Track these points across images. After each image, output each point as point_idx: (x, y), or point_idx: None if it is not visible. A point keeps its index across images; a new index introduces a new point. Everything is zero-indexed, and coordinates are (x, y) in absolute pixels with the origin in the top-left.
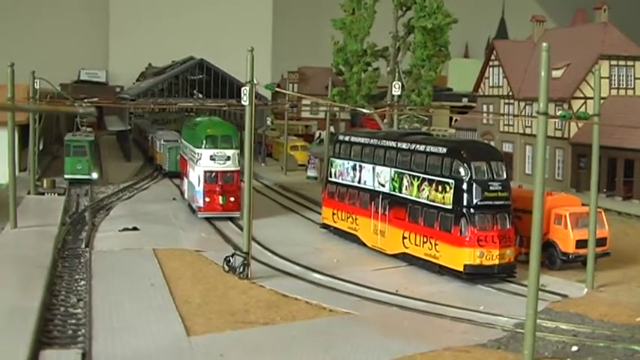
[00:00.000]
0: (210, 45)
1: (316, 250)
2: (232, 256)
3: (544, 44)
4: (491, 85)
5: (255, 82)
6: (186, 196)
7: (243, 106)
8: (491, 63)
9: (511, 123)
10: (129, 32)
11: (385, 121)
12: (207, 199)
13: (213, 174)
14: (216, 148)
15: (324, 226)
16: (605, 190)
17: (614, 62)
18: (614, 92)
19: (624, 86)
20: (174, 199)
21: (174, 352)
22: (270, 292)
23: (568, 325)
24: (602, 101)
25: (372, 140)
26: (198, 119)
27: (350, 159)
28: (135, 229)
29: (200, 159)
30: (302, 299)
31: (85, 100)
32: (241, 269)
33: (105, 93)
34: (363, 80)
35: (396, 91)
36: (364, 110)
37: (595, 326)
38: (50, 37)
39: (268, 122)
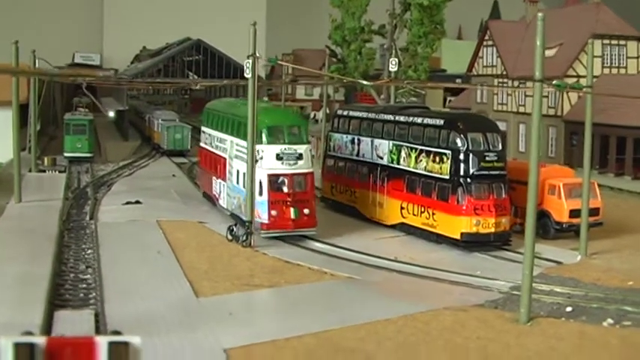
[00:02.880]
0: (204, 28)
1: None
2: (235, 225)
3: (539, 14)
4: (485, 64)
5: (258, 55)
6: (225, 203)
7: (245, 81)
8: (485, 43)
9: (505, 102)
10: (123, 15)
11: (382, 96)
12: (273, 213)
13: (281, 178)
14: (283, 144)
15: (323, 199)
16: (597, 166)
17: (606, 41)
18: (606, 71)
19: (617, 65)
20: (173, 175)
21: (184, 311)
22: (274, 259)
23: (562, 288)
24: (594, 80)
25: (370, 114)
26: (233, 100)
27: (349, 133)
28: (138, 202)
29: (261, 158)
30: (305, 265)
31: (80, 78)
32: (244, 238)
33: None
34: (361, 57)
35: (393, 67)
36: (364, 82)
37: (588, 289)
38: (45, 20)
39: (265, 98)
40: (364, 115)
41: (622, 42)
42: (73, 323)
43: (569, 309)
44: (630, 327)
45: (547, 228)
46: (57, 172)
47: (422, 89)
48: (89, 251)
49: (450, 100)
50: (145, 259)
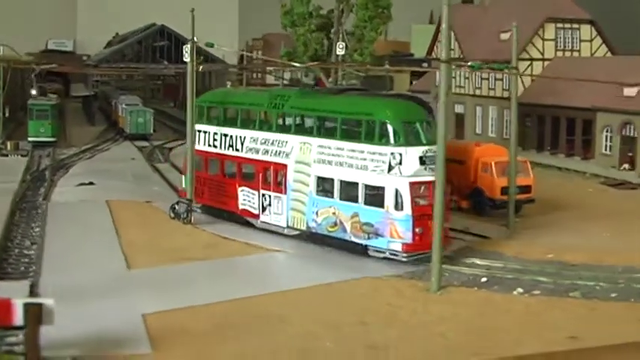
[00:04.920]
0: (178, 12)
1: None
2: (177, 203)
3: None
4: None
5: (196, 40)
6: (283, 219)
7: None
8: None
9: (462, 85)
10: (96, 1)
11: (330, 79)
12: (418, 231)
13: (423, 187)
14: (422, 144)
15: None
16: (549, 147)
17: (560, 25)
18: (560, 54)
19: (570, 48)
20: (133, 158)
21: (114, 281)
22: (211, 235)
23: (483, 260)
24: (547, 62)
25: None
26: (262, 91)
27: None
28: (91, 183)
29: (399, 163)
30: (240, 240)
31: (43, 66)
32: (185, 215)
33: (72, 62)
34: (310, 41)
35: (340, 50)
36: (311, 64)
37: (508, 262)
38: (18, 7)
39: (228, 85)
40: None
41: (575, 25)
42: (9, 293)
43: (484, 279)
44: (539, 296)
45: (481, 205)
46: (19, 156)
47: (365, 72)
48: (37, 229)
49: (412, 83)
50: (88, 236)
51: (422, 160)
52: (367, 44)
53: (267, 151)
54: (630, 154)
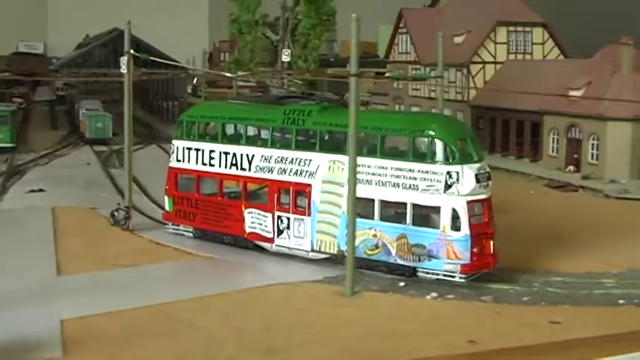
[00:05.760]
0: (150, 12)
1: None
2: (117, 210)
3: (353, 15)
4: (400, 51)
5: (132, 51)
6: (307, 243)
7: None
8: (400, 30)
9: (418, 87)
10: (67, 2)
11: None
12: (476, 250)
13: (479, 205)
14: (474, 162)
15: None
16: (500, 149)
17: (511, 28)
18: (512, 57)
19: (522, 51)
20: (88, 163)
21: (41, 287)
22: (146, 241)
23: None
24: (499, 66)
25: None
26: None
27: None
28: (41, 190)
29: (456, 182)
30: (173, 246)
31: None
32: (123, 222)
33: (42, 64)
34: (256, 49)
35: (286, 57)
36: (254, 73)
37: None
38: None
39: (189, 90)
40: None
41: (527, 29)
42: None
43: (402, 284)
44: (451, 300)
45: None
46: None
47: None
48: None
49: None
50: (24, 243)
51: (477, 178)
52: (311, 51)
53: (284, 170)
54: (576, 156)
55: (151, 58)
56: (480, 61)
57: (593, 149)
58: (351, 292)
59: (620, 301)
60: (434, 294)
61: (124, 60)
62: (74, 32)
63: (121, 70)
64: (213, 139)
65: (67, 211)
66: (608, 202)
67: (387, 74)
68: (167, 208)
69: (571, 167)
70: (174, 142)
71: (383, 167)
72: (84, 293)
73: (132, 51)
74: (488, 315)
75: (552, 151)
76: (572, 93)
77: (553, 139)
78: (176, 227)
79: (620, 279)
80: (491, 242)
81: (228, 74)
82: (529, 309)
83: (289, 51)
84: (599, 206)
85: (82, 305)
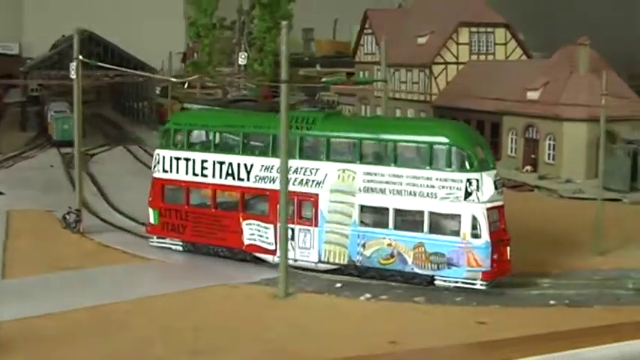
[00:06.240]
0: (126, 15)
1: None
2: (68, 213)
3: (283, 22)
4: (365, 52)
5: (80, 57)
6: (314, 254)
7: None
8: (365, 31)
9: (382, 89)
10: (43, 3)
11: (232, 88)
12: (495, 257)
13: (496, 212)
14: (491, 168)
15: None
16: None
17: (474, 29)
18: (474, 57)
19: (484, 52)
20: (51, 166)
21: None
22: (95, 244)
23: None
24: (462, 66)
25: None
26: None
27: None
28: (0, 193)
29: (476, 189)
30: (121, 249)
31: None
32: (74, 225)
33: (17, 65)
34: (214, 52)
35: (243, 60)
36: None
37: None
38: None
39: (157, 91)
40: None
41: (489, 29)
42: None
43: (338, 285)
44: (385, 301)
45: None
46: None
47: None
48: None
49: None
50: None
51: (495, 185)
52: (267, 54)
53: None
54: (533, 156)
55: (98, 64)
56: (443, 62)
57: (550, 149)
58: (284, 294)
59: (552, 302)
60: (368, 295)
61: (73, 66)
62: (50, 33)
63: (71, 76)
64: (205, 148)
65: (22, 214)
66: (560, 202)
67: (322, 79)
68: (151, 220)
69: (528, 167)
70: (158, 151)
71: (398, 175)
72: (26, 296)
73: (80, 57)
74: (417, 316)
75: (511, 151)
76: (529, 94)
77: (511, 139)
78: (162, 241)
79: (557, 280)
80: (508, 248)
81: (173, 79)
82: (459, 309)
83: (246, 54)
84: (551, 206)
85: (22, 307)
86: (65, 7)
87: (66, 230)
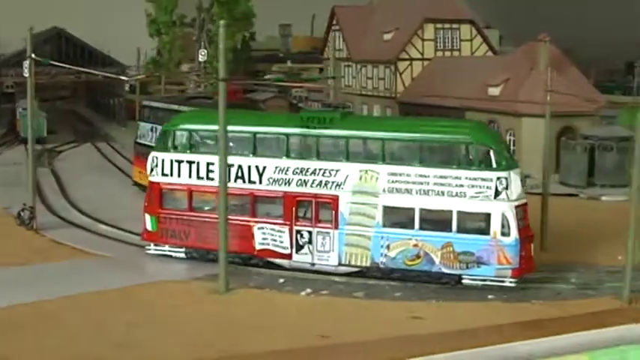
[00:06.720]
0: (101, 11)
1: (119, 207)
2: (22, 210)
3: (221, 21)
4: (337, 48)
5: (33, 56)
6: (334, 257)
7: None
8: (333, 27)
9: (351, 84)
10: None
11: (191, 85)
12: (523, 254)
13: (523, 210)
14: (516, 167)
15: (136, 184)
16: None
17: (439, 25)
18: (440, 54)
19: (450, 48)
20: (14, 163)
21: None
22: (47, 240)
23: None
24: (426, 62)
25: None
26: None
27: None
28: None
29: (506, 188)
30: (71, 245)
31: None
32: (28, 221)
33: None
34: (174, 49)
35: (203, 57)
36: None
37: None
38: None
39: (126, 88)
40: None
41: (455, 25)
42: None
43: (281, 280)
44: (325, 296)
45: None
46: None
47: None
48: None
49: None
50: None
51: (523, 182)
52: (226, 51)
53: (304, 182)
54: None
55: (51, 62)
56: (408, 58)
57: (510, 145)
58: (225, 289)
59: (490, 297)
60: (309, 290)
61: (26, 64)
62: (25, 29)
63: (24, 74)
64: (208, 150)
65: None
66: None
67: (267, 76)
68: (148, 227)
69: None
70: (156, 154)
71: (424, 175)
72: None
73: (33, 55)
74: (354, 310)
75: None
76: (490, 90)
77: None
78: (160, 248)
79: None
80: (532, 245)
81: (124, 77)
82: (397, 305)
83: (205, 51)
84: None
85: None
86: (40, 4)
87: (20, 227)
